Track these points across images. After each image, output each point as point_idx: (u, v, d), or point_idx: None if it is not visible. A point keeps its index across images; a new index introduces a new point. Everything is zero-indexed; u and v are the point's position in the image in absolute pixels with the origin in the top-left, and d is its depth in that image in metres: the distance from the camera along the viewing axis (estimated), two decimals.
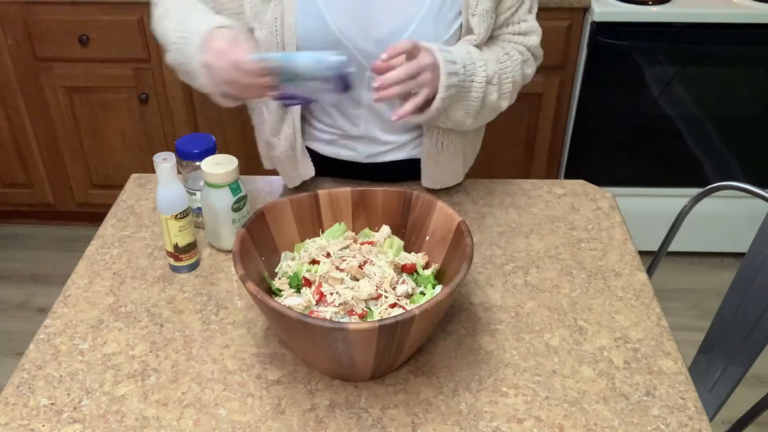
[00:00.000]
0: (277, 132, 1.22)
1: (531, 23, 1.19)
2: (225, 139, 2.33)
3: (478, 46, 1.13)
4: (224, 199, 1.10)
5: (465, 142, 1.27)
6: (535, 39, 1.19)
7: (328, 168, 1.30)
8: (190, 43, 1.03)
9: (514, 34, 1.18)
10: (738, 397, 1.24)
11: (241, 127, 2.30)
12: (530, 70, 1.21)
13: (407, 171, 1.28)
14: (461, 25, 1.12)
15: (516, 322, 1.04)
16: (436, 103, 1.04)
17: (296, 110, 1.19)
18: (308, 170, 1.26)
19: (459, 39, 1.13)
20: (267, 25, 1.10)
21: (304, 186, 1.30)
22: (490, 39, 1.17)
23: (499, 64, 1.13)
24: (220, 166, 1.08)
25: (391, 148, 1.26)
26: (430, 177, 1.28)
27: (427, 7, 1.09)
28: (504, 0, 1.13)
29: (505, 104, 1.18)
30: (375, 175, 1.29)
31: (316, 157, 1.27)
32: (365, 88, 1.16)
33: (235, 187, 1.10)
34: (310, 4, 1.08)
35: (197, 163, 1.14)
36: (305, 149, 1.24)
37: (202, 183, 1.11)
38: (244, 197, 1.12)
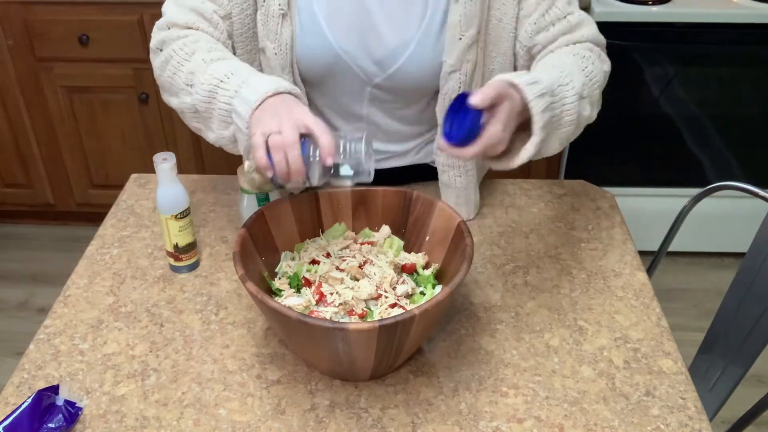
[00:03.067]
0: None
1: (577, 15, 1.08)
2: None
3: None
4: (251, 206, 1.12)
5: (478, 164, 1.22)
6: (587, 30, 1.08)
7: None
8: (238, 96, 0.93)
9: (563, 33, 1.08)
10: (738, 397, 1.24)
11: None
12: (607, 65, 1.09)
13: (408, 177, 1.29)
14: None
15: (516, 322, 1.04)
16: (535, 138, 0.89)
17: None
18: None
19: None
20: (281, 43, 1.07)
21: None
22: (549, 51, 1.07)
23: (583, 71, 1.00)
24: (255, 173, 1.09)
25: (392, 155, 1.26)
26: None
27: (426, 26, 1.08)
28: (523, 3, 1.07)
29: (595, 114, 1.06)
30: (376, 181, 1.29)
31: None
32: (365, 103, 1.16)
33: (263, 198, 1.12)
34: (314, 21, 1.07)
35: None
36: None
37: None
38: None
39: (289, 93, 0.93)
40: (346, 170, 0.88)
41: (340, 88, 1.14)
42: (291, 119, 0.87)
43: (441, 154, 1.19)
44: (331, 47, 1.08)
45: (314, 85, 1.14)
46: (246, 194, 1.13)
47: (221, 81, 0.95)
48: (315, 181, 0.89)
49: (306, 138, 0.87)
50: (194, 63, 0.99)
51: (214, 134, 1.00)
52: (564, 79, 0.95)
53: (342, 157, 0.88)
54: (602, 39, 1.12)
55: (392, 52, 1.09)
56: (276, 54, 1.08)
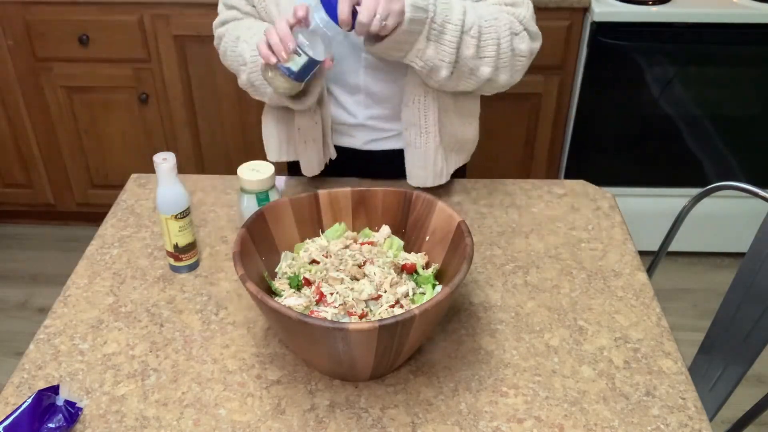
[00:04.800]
0: (315, 113, 1.22)
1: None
2: (225, 139, 2.33)
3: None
4: (251, 206, 1.12)
5: (444, 131, 1.24)
6: (524, 11, 1.14)
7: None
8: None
9: (499, 3, 1.15)
10: (738, 397, 1.24)
11: (241, 127, 2.30)
12: (523, 46, 1.13)
13: (396, 165, 1.29)
14: None
15: (516, 322, 1.04)
16: (404, 26, 1.00)
17: (326, 94, 1.22)
18: (332, 151, 1.27)
19: None
20: (281, 11, 1.15)
21: (304, 186, 1.30)
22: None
23: (482, 20, 1.09)
24: (254, 173, 1.12)
25: (390, 135, 1.27)
26: (413, 172, 1.26)
27: None
28: None
29: (487, 71, 1.11)
30: (373, 164, 1.29)
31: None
32: (361, 71, 1.19)
33: (263, 198, 1.13)
34: None
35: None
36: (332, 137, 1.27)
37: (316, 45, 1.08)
38: None
39: None
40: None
41: (336, 55, 1.17)
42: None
43: (405, 109, 1.21)
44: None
45: None
46: (246, 194, 1.13)
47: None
48: (307, 49, 1.03)
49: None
50: (241, 47, 1.18)
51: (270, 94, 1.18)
52: (458, 5, 1.06)
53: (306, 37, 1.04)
54: (534, 29, 1.15)
55: None
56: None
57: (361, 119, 1.26)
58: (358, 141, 1.28)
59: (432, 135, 1.22)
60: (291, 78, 1.04)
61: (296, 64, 1.03)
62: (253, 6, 1.23)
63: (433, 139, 1.22)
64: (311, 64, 1.04)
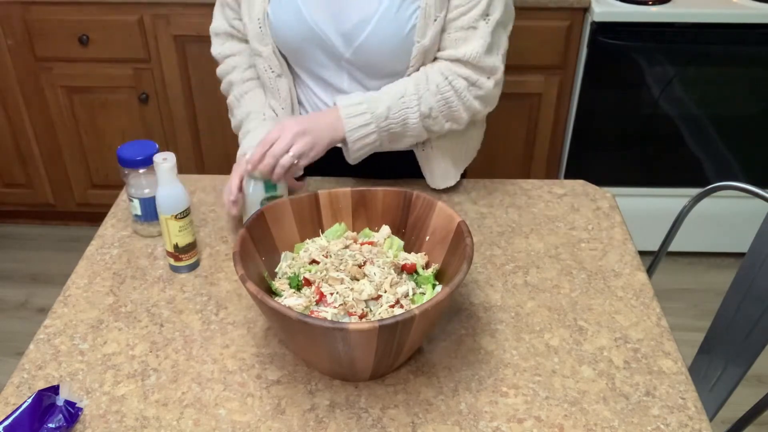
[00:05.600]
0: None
1: (473, 47, 1.12)
2: (225, 139, 2.33)
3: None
4: (257, 192, 1.13)
5: (452, 144, 1.28)
6: (473, 48, 1.12)
7: (321, 163, 1.30)
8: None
9: (447, 50, 1.14)
10: (738, 397, 1.24)
11: None
12: (480, 94, 1.17)
13: (399, 166, 1.29)
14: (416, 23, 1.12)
15: (516, 322, 1.04)
16: (352, 146, 1.13)
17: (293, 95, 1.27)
18: None
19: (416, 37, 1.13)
20: (255, 19, 1.17)
21: (304, 186, 1.30)
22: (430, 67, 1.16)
23: (400, 99, 1.14)
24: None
25: None
26: (427, 175, 1.30)
27: (387, 4, 1.11)
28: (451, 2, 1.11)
29: (456, 125, 1.20)
30: (369, 170, 1.29)
31: None
32: (345, 78, 1.20)
33: (270, 186, 1.14)
34: None
35: (140, 171, 1.15)
36: None
37: (146, 191, 1.16)
38: (278, 197, 1.14)
39: None
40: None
41: (317, 60, 1.19)
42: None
43: None
44: (303, 19, 1.14)
45: (293, 57, 1.21)
46: (253, 180, 1.13)
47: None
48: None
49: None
50: (240, 112, 1.29)
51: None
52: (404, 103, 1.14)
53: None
54: (486, 63, 1.14)
55: (356, 26, 1.12)
56: (248, 24, 1.18)
57: None
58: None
59: (439, 149, 1.26)
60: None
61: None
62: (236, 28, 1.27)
63: (442, 151, 1.27)
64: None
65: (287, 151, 1.08)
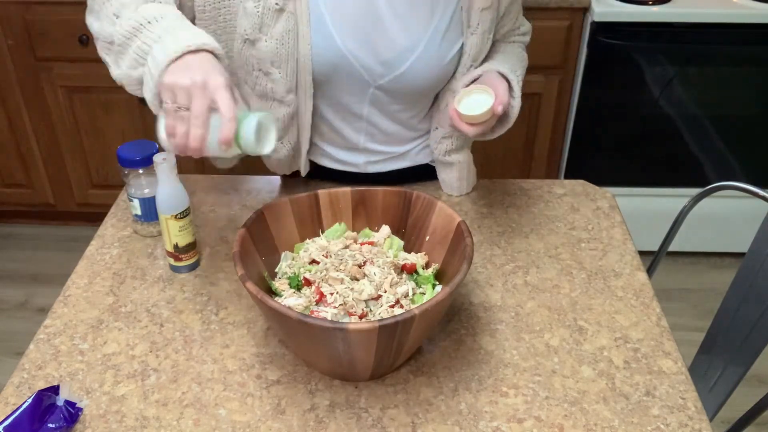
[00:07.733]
0: (281, 136, 1.19)
1: (527, 24, 1.28)
2: None
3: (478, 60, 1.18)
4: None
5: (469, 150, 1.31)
6: (526, 27, 1.28)
7: (325, 176, 1.30)
8: (160, 42, 0.89)
9: (519, 35, 1.26)
10: (738, 397, 1.24)
11: None
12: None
13: (407, 176, 1.29)
14: (462, 45, 1.13)
15: (516, 322, 1.04)
16: (515, 110, 1.13)
17: (306, 120, 1.16)
18: (304, 170, 1.26)
19: (459, 60, 1.14)
20: (277, 37, 1.05)
21: (304, 186, 1.30)
22: (498, 43, 1.23)
23: (523, 69, 1.22)
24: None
25: (391, 157, 1.26)
26: (446, 183, 1.31)
27: (434, 29, 1.09)
28: (506, 15, 1.17)
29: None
30: (376, 182, 1.29)
31: (312, 165, 1.27)
32: (366, 104, 1.16)
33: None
34: (320, 21, 1.06)
35: (140, 171, 1.15)
36: (307, 158, 1.24)
37: (146, 191, 1.15)
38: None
39: (211, 52, 0.89)
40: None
41: (343, 88, 1.13)
42: (204, 92, 0.84)
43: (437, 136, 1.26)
44: (336, 46, 1.07)
45: (317, 84, 1.12)
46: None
47: (149, 22, 0.91)
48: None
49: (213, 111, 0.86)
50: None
51: (120, 71, 0.98)
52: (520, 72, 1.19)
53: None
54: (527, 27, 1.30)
55: (401, 53, 1.09)
56: (274, 48, 1.05)
57: (360, 143, 1.24)
58: (360, 161, 1.26)
59: (465, 147, 1.30)
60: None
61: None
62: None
63: (466, 152, 1.30)
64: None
65: None
